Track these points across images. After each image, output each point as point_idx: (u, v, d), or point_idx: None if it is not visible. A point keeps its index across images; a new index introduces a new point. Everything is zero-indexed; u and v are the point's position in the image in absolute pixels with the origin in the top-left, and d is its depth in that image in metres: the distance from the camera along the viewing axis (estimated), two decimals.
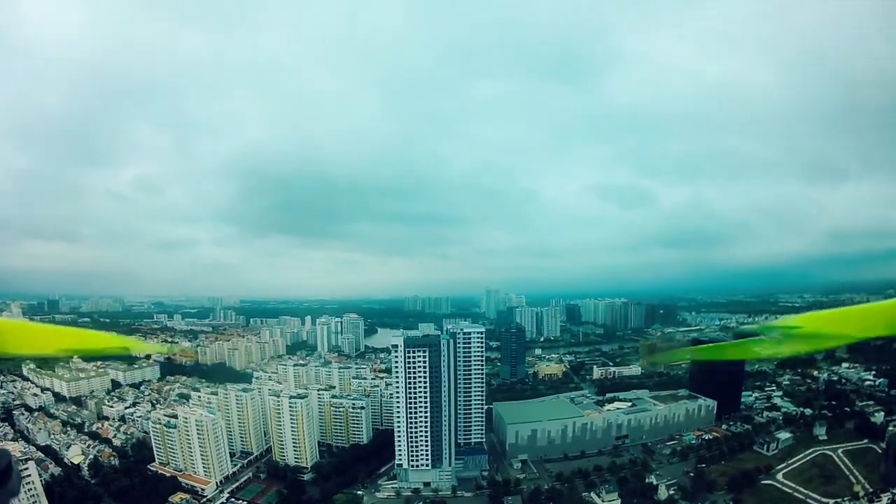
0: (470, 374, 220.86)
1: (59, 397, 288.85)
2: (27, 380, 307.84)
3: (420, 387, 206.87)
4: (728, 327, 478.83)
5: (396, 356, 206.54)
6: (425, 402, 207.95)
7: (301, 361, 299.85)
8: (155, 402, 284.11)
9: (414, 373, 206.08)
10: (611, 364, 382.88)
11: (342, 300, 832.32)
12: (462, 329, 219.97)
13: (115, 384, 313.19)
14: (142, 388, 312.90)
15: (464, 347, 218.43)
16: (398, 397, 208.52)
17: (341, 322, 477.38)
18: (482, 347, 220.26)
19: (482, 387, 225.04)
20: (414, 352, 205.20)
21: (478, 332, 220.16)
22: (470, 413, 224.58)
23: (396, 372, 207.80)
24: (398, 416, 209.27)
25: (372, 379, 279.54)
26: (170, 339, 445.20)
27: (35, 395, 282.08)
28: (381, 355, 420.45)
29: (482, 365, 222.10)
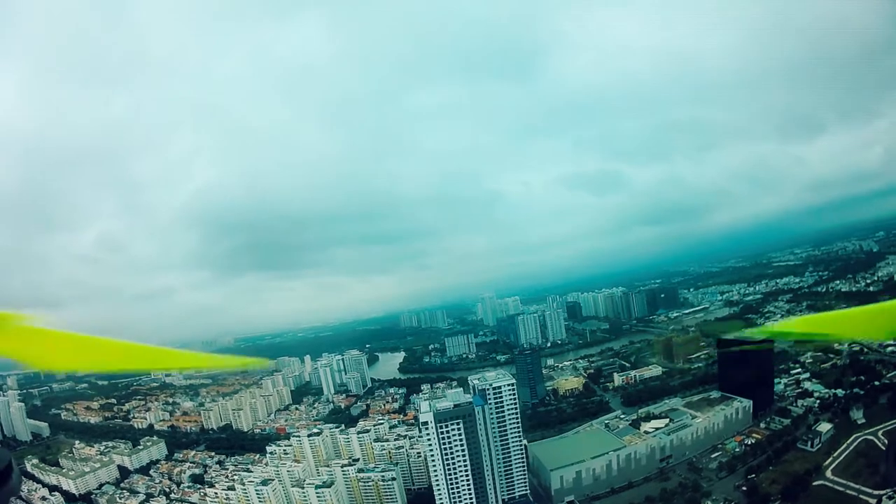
0: (506, 430, 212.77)
1: (67, 496, 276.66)
2: (32, 477, 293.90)
3: (458, 459, 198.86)
4: (732, 301, 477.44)
5: (429, 434, 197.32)
6: (466, 473, 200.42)
7: (315, 430, 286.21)
8: (168, 490, 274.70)
9: (450, 447, 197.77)
10: (629, 366, 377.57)
11: (335, 325, 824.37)
12: (491, 385, 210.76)
13: (123, 470, 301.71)
14: (151, 471, 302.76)
15: (495, 403, 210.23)
16: (436, 474, 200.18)
17: (343, 360, 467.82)
18: (514, 399, 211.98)
19: (519, 439, 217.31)
20: (447, 425, 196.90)
21: (508, 384, 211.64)
22: (511, 467, 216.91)
23: (431, 451, 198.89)
24: (439, 491, 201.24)
25: (395, 440, 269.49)
26: (170, 400, 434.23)
27: (44, 498, 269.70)
28: (392, 390, 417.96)
29: (517, 417, 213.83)
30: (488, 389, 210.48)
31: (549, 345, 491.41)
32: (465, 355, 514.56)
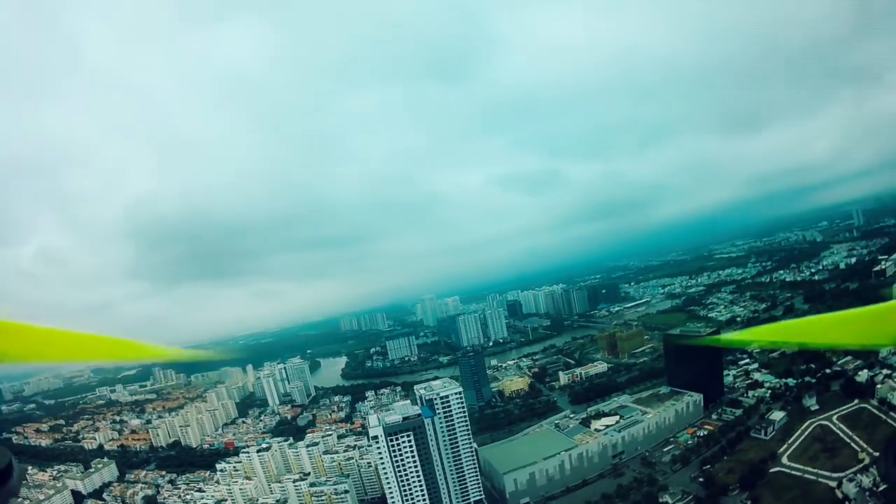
0: (456, 438, 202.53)
1: None
2: None
3: (411, 470, 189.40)
4: (674, 294, 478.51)
5: (379, 448, 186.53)
6: (419, 483, 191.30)
7: (264, 444, 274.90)
8: None
9: (402, 459, 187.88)
10: (574, 364, 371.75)
11: (276, 332, 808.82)
12: (438, 394, 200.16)
13: (76, 496, 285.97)
14: (104, 495, 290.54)
15: (444, 413, 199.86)
16: (390, 486, 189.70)
17: (285, 369, 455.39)
18: (462, 407, 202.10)
19: (470, 445, 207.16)
20: (397, 438, 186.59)
21: (455, 393, 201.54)
22: (463, 473, 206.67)
23: (383, 465, 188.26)
24: (393, 502, 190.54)
25: (344, 451, 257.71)
26: (117, 418, 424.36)
27: None
28: (336, 398, 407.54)
29: (466, 424, 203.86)
30: (436, 399, 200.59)
31: (490, 344, 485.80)
32: (407, 358, 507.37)
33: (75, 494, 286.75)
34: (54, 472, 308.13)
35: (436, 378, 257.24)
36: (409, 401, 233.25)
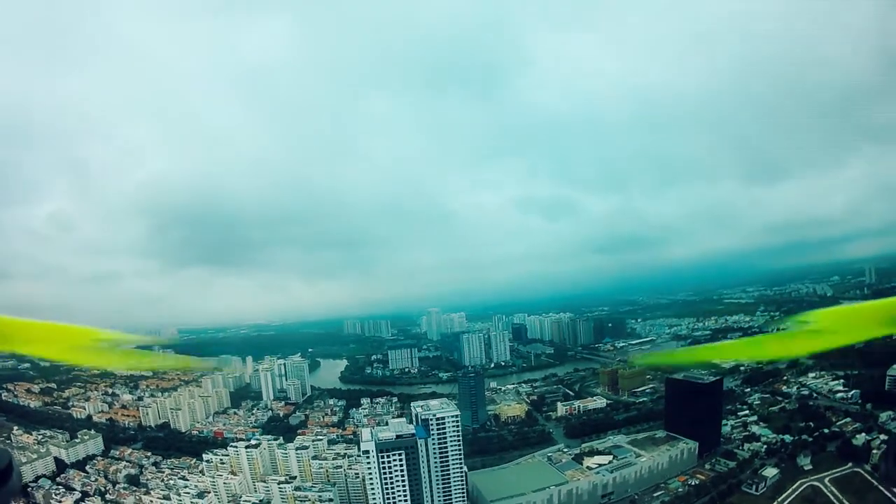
0: (448, 462, 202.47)
1: None
2: None
3: (399, 489, 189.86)
4: (680, 335, 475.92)
5: (369, 463, 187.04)
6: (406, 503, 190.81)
7: (253, 441, 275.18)
8: (104, 489, 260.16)
9: (391, 477, 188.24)
10: (573, 395, 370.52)
11: (279, 326, 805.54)
12: (435, 415, 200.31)
13: (59, 463, 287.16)
14: (87, 467, 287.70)
15: (438, 435, 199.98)
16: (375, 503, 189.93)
17: (285, 365, 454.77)
18: (457, 431, 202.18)
19: (461, 470, 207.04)
20: (388, 456, 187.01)
21: (452, 416, 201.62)
22: (451, 498, 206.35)
23: (371, 480, 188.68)
24: None
25: (333, 458, 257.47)
26: (110, 390, 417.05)
27: None
28: (331, 402, 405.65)
29: (459, 449, 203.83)
30: (431, 420, 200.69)
31: (492, 365, 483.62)
32: (407, 369, 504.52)
33: (58, 462, 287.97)
34: (39, 437, 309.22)
35: (434, 394, 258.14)
36: (403, 418, 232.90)
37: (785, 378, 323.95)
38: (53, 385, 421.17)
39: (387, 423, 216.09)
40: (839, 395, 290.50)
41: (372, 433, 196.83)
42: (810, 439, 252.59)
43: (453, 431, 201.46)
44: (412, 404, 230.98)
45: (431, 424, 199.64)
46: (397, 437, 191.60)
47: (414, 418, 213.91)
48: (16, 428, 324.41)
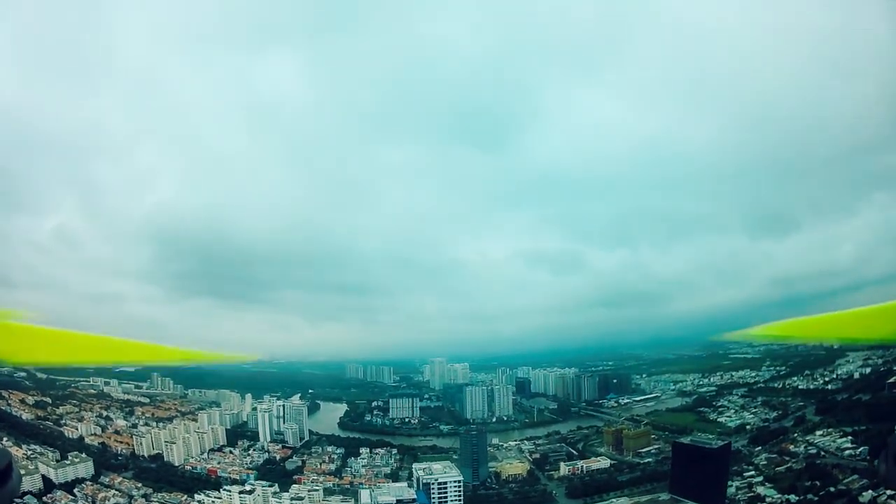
0: None
1: None
2: None
3: None
4: (685, 391, 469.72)
5: None
6: None
7: (247, 488, 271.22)
8: None
9: None
10: (576, 455, 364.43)
11: (281, 363, 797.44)
12: (437, 479, 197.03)
13: (47, 482, 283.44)
14: (75, 489, 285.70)
15: (439, 499, 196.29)
16: None
17: (283, 407, 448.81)
18: (459, 495, 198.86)
19: None
20: None
21: (454, 480, 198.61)
22: None
23: None
24: None
25: None
26: (105, 411, 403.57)
27: None
28: (329, 448, 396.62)
29: None
30: (433, 484, 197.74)
31: (494, 419, 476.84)
32: (407, 419, 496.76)
33: (46, 480, 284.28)
34: (29, 451, 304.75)
35: (434, 447, 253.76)
36: (405, 483, 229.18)
37: (794, 437, 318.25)
38: (48, 399, 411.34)
39: (387, 482, 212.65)
40: (847, 452, 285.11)
41: (371, 496, 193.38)
42: (816, 498, 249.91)
43: (455, 495, 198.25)
44: (414, 466, 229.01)
45: (433, 489, 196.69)
46: (397, 501, 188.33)
47: (415, 482, 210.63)
48: (5, 439, 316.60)
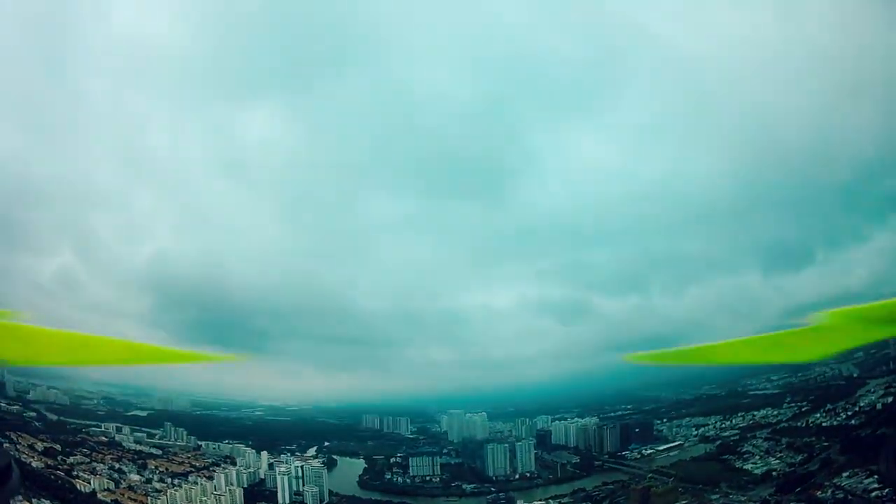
0: None
1: None
2: None
3: None
4: (708, 437, 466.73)
5: None
6: None
7: None
8: None
9: None
10: None
11: (294, 410, 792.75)
12: None
13: None
14: None
15: None
16: None
17: (302, 468, 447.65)
18: None
19: None
20: None
21: None
22: None
23: None
24: None
25: None
26: (117, 462, 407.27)
27: None
28: None
29: None
30: None
31: (517, 476, 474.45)
32: (429, 478, 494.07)
33: None
34: None
35: None
36: None
37: (820, 481, 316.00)
38: (58, 447, 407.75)
39: None
40: (874, 493, 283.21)
41: None
42: None
43: None
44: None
45: None
46: None
47: None
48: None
